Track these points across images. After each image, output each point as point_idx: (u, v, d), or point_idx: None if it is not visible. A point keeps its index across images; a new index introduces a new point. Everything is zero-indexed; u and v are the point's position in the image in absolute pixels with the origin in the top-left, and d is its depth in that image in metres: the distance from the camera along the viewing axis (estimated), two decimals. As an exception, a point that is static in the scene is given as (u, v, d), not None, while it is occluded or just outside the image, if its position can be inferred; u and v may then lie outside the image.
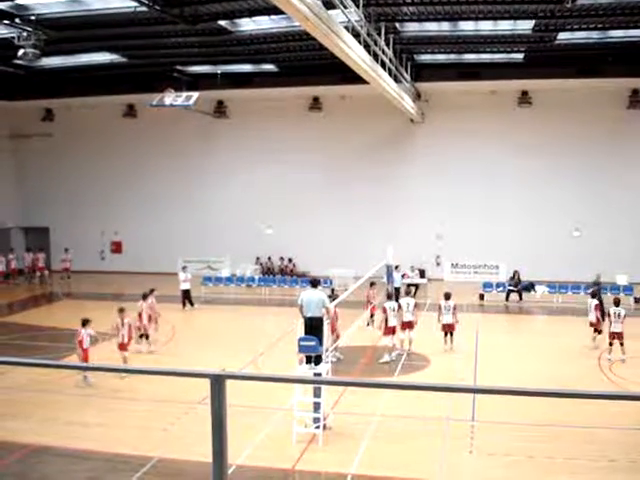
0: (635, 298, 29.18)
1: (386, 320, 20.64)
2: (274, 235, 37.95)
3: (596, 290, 23.62)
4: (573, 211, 34.31)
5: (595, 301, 21.95)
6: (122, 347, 19.41)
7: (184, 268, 30.12)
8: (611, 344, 20.30)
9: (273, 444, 13.90)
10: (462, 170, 35.33)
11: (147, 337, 21.63)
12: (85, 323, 18.49)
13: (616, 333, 20.11)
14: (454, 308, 21.85)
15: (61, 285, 36.39)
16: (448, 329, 21.72)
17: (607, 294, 26.56)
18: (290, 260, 37.35)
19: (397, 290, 26.00)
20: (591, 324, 21.80)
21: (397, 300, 23.03)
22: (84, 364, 17.89)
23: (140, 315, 21.53)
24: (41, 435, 14.31)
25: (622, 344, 20.11)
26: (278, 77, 35.02)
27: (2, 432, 14.42)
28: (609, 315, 20.56)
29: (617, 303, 20.84)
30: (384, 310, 21.02)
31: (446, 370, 19.56)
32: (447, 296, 22.10)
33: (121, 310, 19.72)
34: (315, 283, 15.65)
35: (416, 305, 22.39)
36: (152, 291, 23.34)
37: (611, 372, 18.96)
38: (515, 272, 30.73)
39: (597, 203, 34.08)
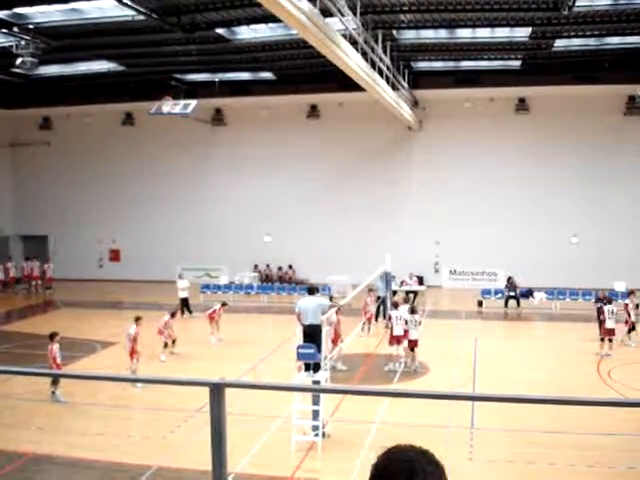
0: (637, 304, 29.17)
1: (392, 329, 20.53)
2: (272, 243, 37.97)
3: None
4: (571, 217, 34.34)
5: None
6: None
7: (180, 276, 30.11)
8: (603, 340, 21.62)
9: (272, 452, 13.87)
10: (460, 177, 35.36)
11: (166, 345, 21.63)
12: (53, 336, 17.82)
13: (610, 329, 21.38)
14: (419, 323, 20.82)
15: (45, 296, 36.50)
16: (414, 345, 20.53)
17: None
18: (290, 267, 37.34)
19: (378, 298, 25.85)
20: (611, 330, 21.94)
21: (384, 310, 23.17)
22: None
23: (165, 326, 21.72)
24: (40, 444, 14.28)
25: (611, 340, 21.46)
26: (276, 85, 35.10)
27: (1, 441, 14.39)
28: (603, 313, 21.81)
29: (610, 301, 22.32)
30: (389, 318, 20.93)
31: (445, 377, 19.55)
32: (413, 310, 20.93)
33: (137, 319, 19.66)
34: (312, 290, 15.60)
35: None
36: (224, 305, 25.05)
37: (610, 378, 18.97)
38: (509, 278, 30.72)
39: (595, 209, 34.11)
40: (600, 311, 22.52)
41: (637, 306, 28.81)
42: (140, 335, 19.51)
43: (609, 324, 21.39)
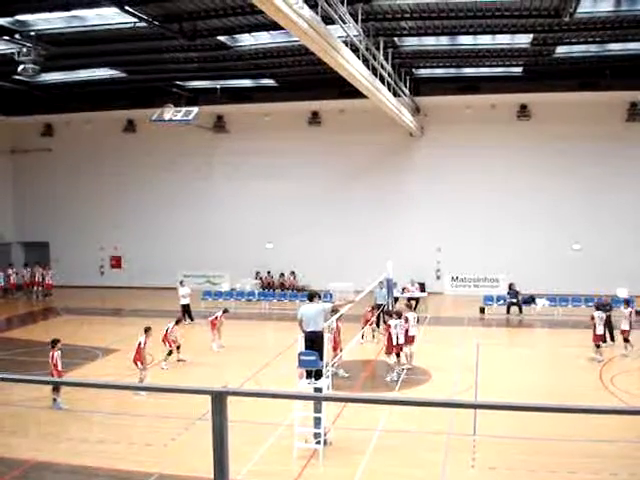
0: (636, 311, 29.12)
1: (390, 337, 20.41)
2: (274, 249, 37.97)
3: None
4: (573, 224, 34.33)
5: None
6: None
7: (181, 282, 30.10)
8: (598, 346, 21.79)
9: (274, 460, 13.82)
10: (461, 183, 35.35)
11: (170, 353, 21.59)
12: (55, 343, 17.76)
13: (598, 336, 21.74)
14: (401, 327, 20.51)
15: (45, 302, 36.42)
16: (399, 349, 20.45)
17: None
18: (292, 273, 37.32)
19: (379, 307, 25.75)
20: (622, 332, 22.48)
21: (384, 317, 23.09)
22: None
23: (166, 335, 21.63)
24: (41, 451, 14.24)
25: (599, 346, 21.76)
26: (277, 92, 35.16)
27: (2, 448, 14.35)
28: (592, 319, 21.98)
29: (598, 308, 22.55)
30: (388, 327, 20.82)
31: (447, 384, 19.49)
32: (399, 315, 20.91)
33: (147, 330, 19.60)
34: (312, 297, 15.53)
35: (418, 320, 22.17)
36: (225, 311, 24.96)
37: (613, 385, 18.92)
38: (510, 284, 30.66)
39: (597, 216, 34.10)
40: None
41: (637, 313, 28.93)
42: (147, 345, 19.45)
43: (599, 330, 21.76)
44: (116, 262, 41.19)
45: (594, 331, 21.81)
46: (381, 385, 19.55)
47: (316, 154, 37.27)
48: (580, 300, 29.99)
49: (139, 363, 18.89)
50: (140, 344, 19.04)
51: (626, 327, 22.33)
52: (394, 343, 20.21)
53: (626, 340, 22.29)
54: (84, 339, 25.31)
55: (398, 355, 20.46)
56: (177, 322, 22.44)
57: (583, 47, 27.27)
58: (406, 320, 20.89)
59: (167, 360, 21.45)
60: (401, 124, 31.67)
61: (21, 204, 41.77)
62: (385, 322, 22.30)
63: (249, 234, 37.92)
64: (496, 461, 13.56)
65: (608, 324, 24.13)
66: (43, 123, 40.57)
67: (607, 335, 23.22)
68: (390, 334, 20.30)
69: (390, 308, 25.33)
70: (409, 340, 20.84)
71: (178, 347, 22.08)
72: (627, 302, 23.58)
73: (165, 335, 21.44)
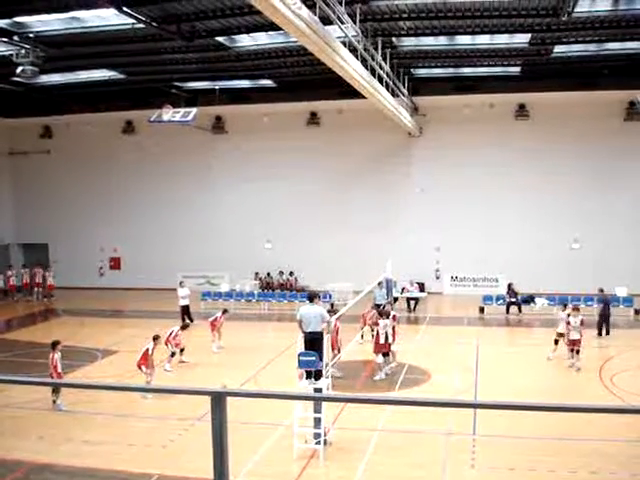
0: (635, 310, 29.19)
1: (378, 337, 20.38)
2: (273, 250, 37.96)
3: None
4: (572, 223, 34.33)
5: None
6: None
7: (181, 283, 30.11)
8: (578, 351, 20.78)
9: (274, 460, 13.83)
10: (460, 183, 35.36)
11: (173, 355, 21.57)
12: (55, 345, 17.76)
13: (574, 340, 20.79)
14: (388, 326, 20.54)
15: (45, 304, 36.37)
16: (387, 348, 20.49)
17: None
18: (291, 273, 37.33)
19: (378, 306, 25.79)
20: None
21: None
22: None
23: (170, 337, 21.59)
24: (41, 453, 14.25)
25: (578, 352, 20.75)
26: (276, 92, 35.14)
27: (2, 450, 14.36)
28: (568, 323, 21.03)
29: (576, 309, 21.67)
30: (376, 323, 20.78)
31: (447, 384, 19.50)
32: (387, 314, 20.84)
33: (156, 338, 19.67)
34: (312, 297, 15.54)
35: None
36: (225, 312, 24.94)
37: (612, 384, 18.93)
38: (509, 284, 30.68)
39: (596, 215, 34.10)
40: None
41: (636, 312, 29.00)
42: (154, 352, 19.45)
43: (573, 335, 20.64)
44: (115, 263, 41.19)
45: (567, 336, 20.91)
46: (381, 385, 19.54)
47: (315, 154, 37.28)
48: (579, 299, 29.96)
49: (143, 367, 18.89)
50: (148, 350, 19.05)
51: (576, 336, 20.74)
52: (382, 342, 20.21)
53: (577, 352, 20.79)
54: (84, 340, 25.31)
55: (387, 354, 20.45)
56: (183, 328, 22.45)
57: (581, 46, 27.24)
58: (394, 318, 20.96)
59: (171, 362, 21.43)
60: (400, 124, 31.68)
61: (20, 206, 41.75)
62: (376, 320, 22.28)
63: (248, 235, 37.91)
64: (496, 461, 13.57)
65: (605, 318, 24.34)
66: (42, 125, 40.60)
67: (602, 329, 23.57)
68: (378, 333, 20.34)
69: (388, 307, 25.38)
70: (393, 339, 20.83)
71: (182, 350, 22.08)
72: (574, 308, 21.98)
73: (167, 338, 21.40)
